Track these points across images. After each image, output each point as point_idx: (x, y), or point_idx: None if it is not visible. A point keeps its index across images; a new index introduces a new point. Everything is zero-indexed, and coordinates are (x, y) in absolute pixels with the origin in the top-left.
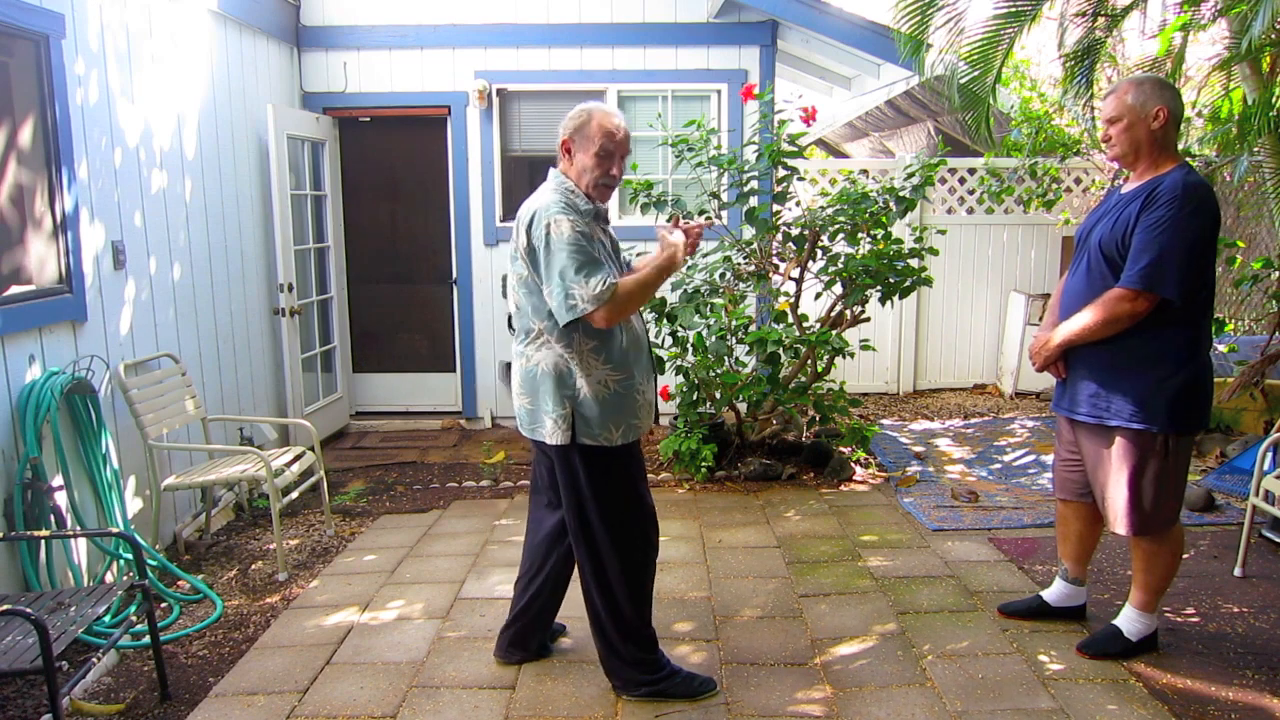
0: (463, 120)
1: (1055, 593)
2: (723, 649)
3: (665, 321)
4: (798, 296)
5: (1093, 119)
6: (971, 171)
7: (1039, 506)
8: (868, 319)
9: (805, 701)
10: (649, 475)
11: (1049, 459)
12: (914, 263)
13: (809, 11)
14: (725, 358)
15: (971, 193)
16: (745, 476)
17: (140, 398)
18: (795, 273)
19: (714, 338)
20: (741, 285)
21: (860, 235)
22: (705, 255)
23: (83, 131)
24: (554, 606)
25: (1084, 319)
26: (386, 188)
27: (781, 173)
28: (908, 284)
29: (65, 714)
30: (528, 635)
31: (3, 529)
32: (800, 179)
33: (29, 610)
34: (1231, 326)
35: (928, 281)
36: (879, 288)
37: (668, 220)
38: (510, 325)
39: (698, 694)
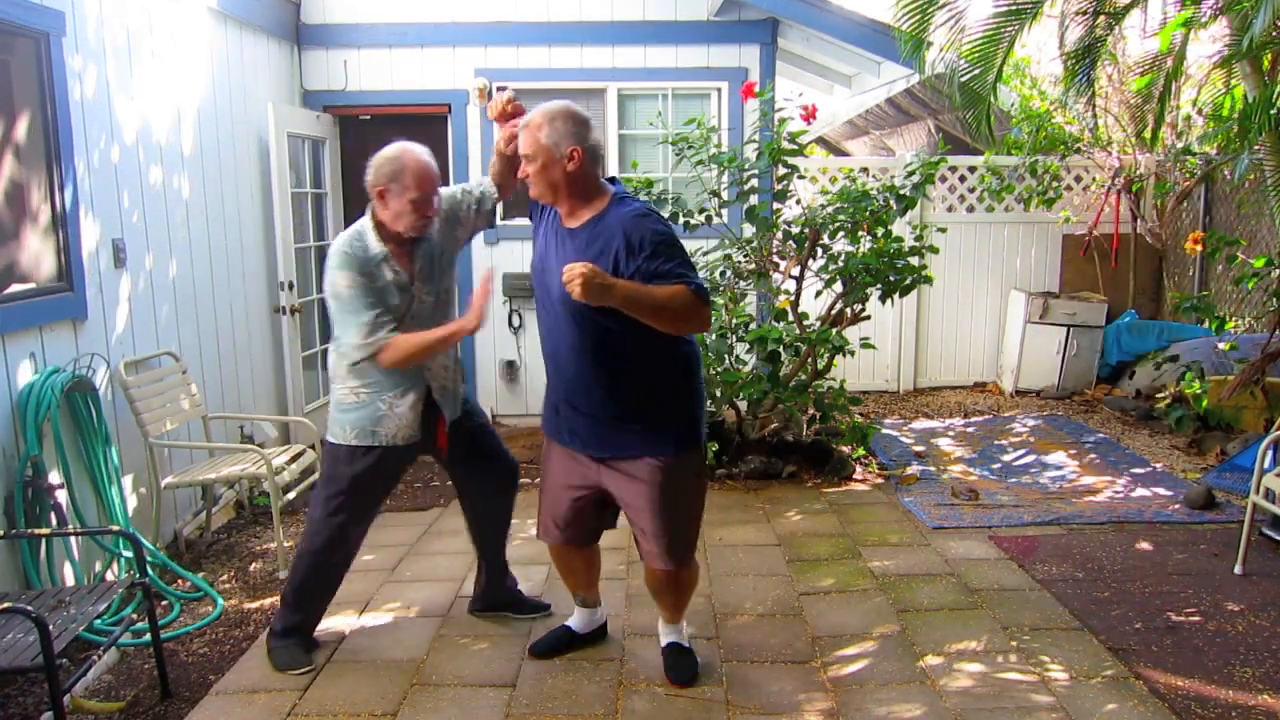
0: (463, 118)
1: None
2: (723, 647)
3: None
4: (798, 295)
5: (1094, 117)
6: (972, 170)
7: (1039, 505)
8: (868, 317)
9: (805, 700)
10: None
11: (1050, 458)
12: (914, 261)
13: (809, 9)
14: (725, 356)
15: (972, 191)
16: (745, 475)
17: (140, 396)
18: (795, 271)
19: (714, 336)
20: (742, 283)
21: (860, 233)
22: (705, 254)
23: (83, 129)
24: (487, 554)
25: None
26: None
27: (782, 171)
28: (908, 282)
29: (66, 712)
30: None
31: (3, 527)
32: (800, 177)
33: (30, 608)
34: (1232, 324)
35: (928, 280)
36: (879, 286)
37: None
38: (510, 324)
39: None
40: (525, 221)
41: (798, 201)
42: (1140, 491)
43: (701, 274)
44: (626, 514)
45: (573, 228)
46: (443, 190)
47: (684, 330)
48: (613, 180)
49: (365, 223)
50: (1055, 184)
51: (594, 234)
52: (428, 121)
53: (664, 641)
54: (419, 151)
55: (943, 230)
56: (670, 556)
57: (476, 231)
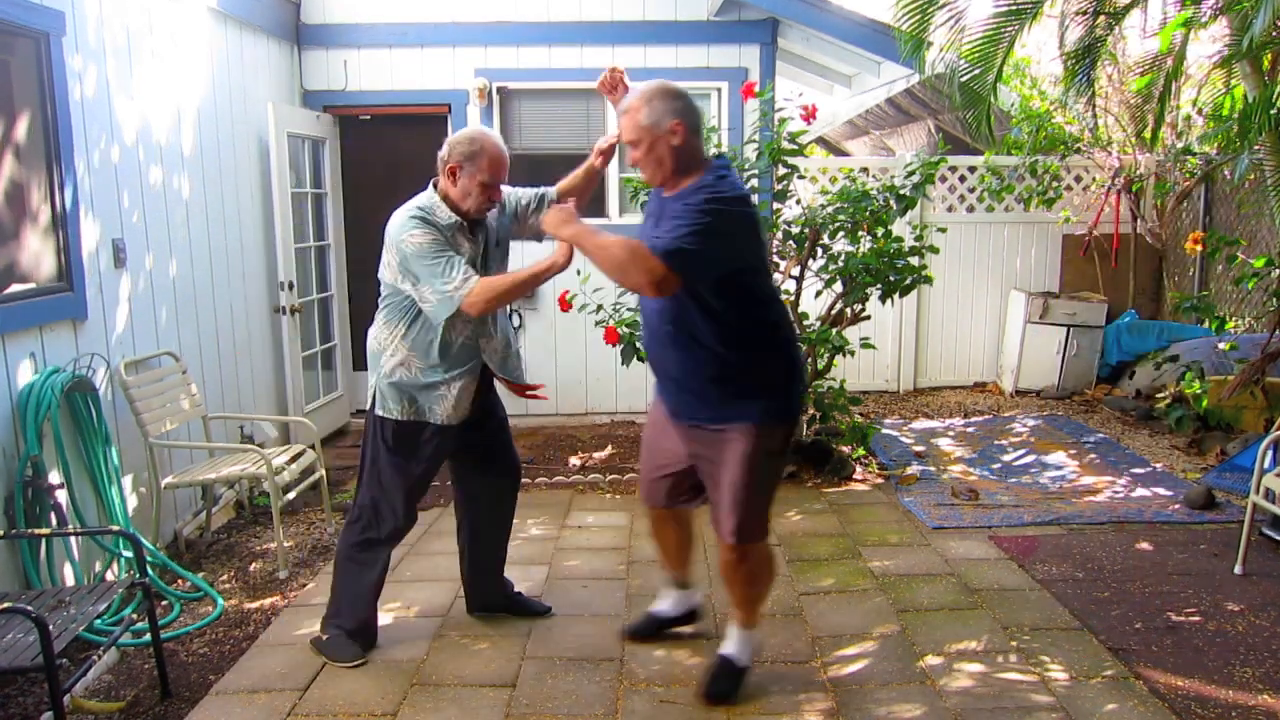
0: (463, 118)
1: None
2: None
3: None
4: (798, 294)
5: (1094, 117)
6: (972, 169)
7: (1039, 505)
8: (868, 317)
9: (805, 700)
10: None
11: (1050, 458)
12: (914, 261)
13: (809, 9)
14: None
15: (972, 191)
16: None
17: (140, 395)
18: (795, 271)
19: None
20: None
21: (860, 233)
22: None
23: (83, 129)
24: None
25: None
26: (387, 186)
27: (782, 171)
28: (908, 282)
29: (66, 712)
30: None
31: (3, 527)
32: (800, 177)
33: (30, 608)
34: (1232, 324)
35: (928, 280)
36: (879, 286)
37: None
38: (510, 324)
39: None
40: None
41: (798, 201)
42: (1140, 491)
43: None
44: (705, 484)
45: (667, 196)
46: (505, 188)
47: (622, 281)
48: (720, 157)
49: (431, 196)
50: (1055, 184)
51: (674, 205)
52: (428, 121)
53: (720, 649)
54: (497, 139)
55: (943, 230)
56: (735, 528)
57: (530, 236)
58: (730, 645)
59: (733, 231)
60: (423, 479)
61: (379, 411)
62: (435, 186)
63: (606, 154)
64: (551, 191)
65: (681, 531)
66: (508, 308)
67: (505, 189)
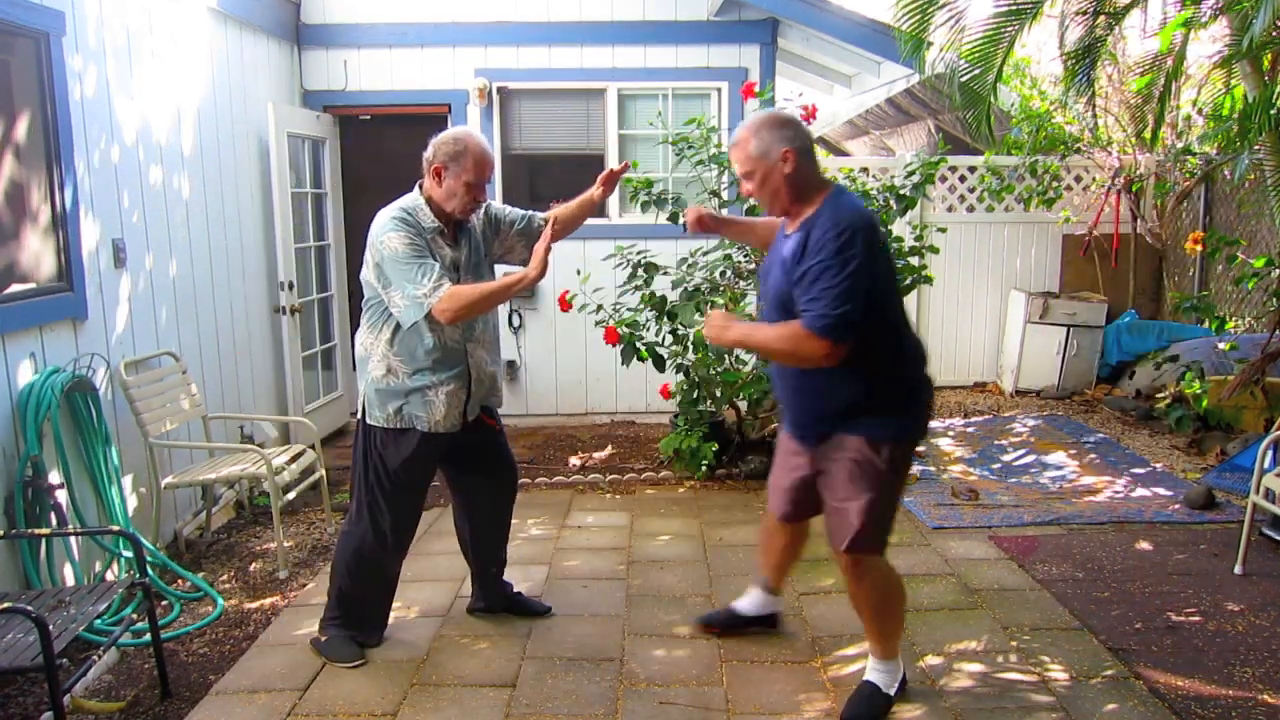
0: (463, 118)
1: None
2: (723, 647)
3: (665, 319)
4: None
5: (1094, 117)
6: (972, 169)
7: (1039, 505)
8: None
9: (805, 700)
10: (649, 473)
11: (1050, 458)
12: (914, 261)
13: (809, 9)
14: (725, 355)
15: (972, 191)
16: (746, 474)
17: (140, 395)
18: None
19: None
20: (742, 283)
21: None
22: (706, 254)
23: (83, 129)
24: (484, 557)
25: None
26: (387, 186)
27: None
28: (908, 282)
29: (66, 712)
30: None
31: (3, 527)
32: None
33: (30, 608)
34: (1232, 324)
35: (928, 280)
36: None
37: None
38: (510, 324)
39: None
40: None
41: None
42: (1140, 491)
43: (701, 274)
44: (823, 496)
45: (788, 232)
46: (493, 203)
47: (797, 364)
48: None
49: (416, 198)
50: (1055, 184)
51: (796, 240)
52: (428, 121)
53: (866, 675)
54: (481, 139)
55: (943, 230)
56: (845, 539)
57: (509, 254)
58: (871, 671)
59: (870, 257)
60: (416, 486)
61: (367, 419)
62: (420, 189)
63: (608, 184)
64: (539, 216)
65: (790, 544)
66: (508, 308)
67: (495, 205)
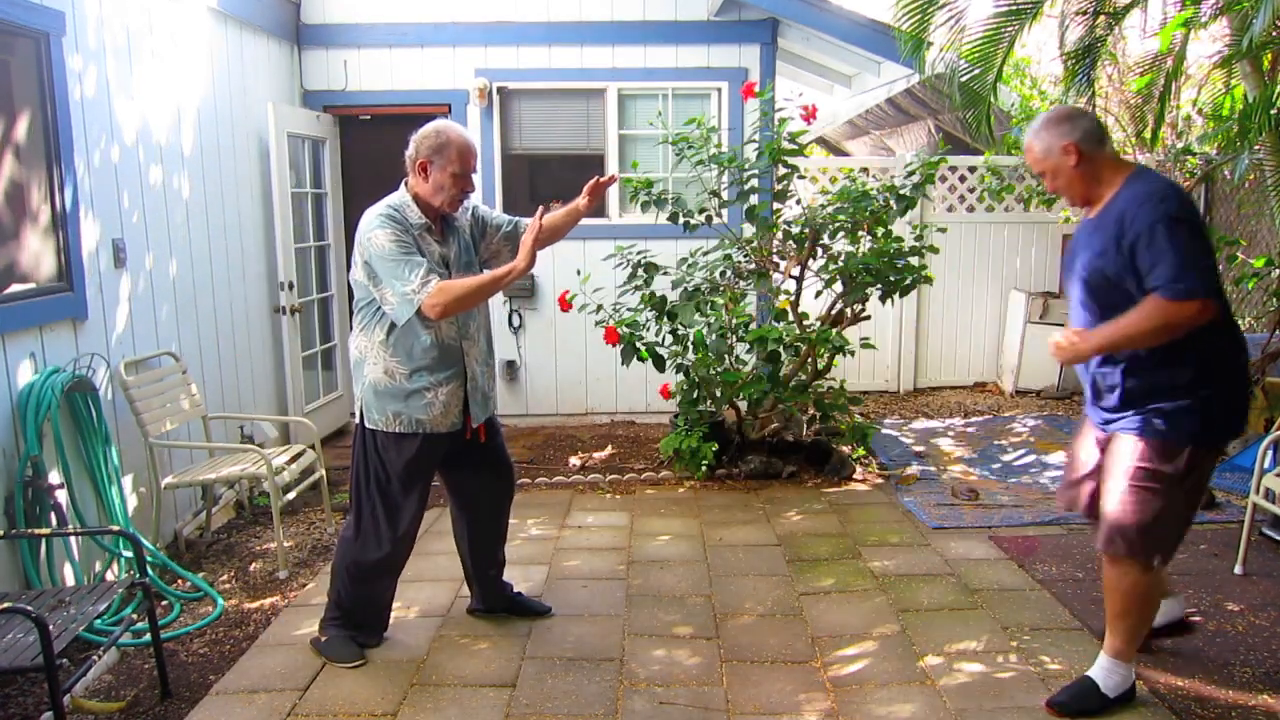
0: (463, 118)
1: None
2: (723, 647)
3: (665, 319)
4: (798, 294)
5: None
6: (972, 169)
7: (1039, 505)
8: (868, 317)
9: (805, 700)
10: (649, 473)
11: (1050, 458)
12: (914, 261)
13: (809, 9)
14: (725, 356)
15: (972, 191)
16: (746, 475)
17: (140, 395)
18: (796, 271)
19: (714, 336)
20: (742, 283)
21: (861, 233)
22: (706, 254)
23: (83, 129)
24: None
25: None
26: (387, 186)
27: (782, 171)
28: (908, 282)
29: (66, 712)
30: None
31: (3, 527)
32: (800, 177)
33: (30, 608)
34: None
35: (928, 279)
36: (879, 286)
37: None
38: (510, 324)
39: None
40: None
41: (798, 201)
42: None
43: (701, 274)
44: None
45: (1092, 217)
46: (479, 205)
47: (1168, 339)
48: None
49: (402, 196)
50: None
51: (1102, 221)
52: (428, 121)
53: (1091, 670)
54: (462, 130)
55: (943, 230)
56: (1109, 539)
57: (496, 260)
58: (1097, 669)
59: (1194, 216)
60: (418, 488)
61: (366, 423)
62: (406, 186)
63: (594, 194)
64: (524, 222)
65: None
66: (508, 308)
67: (482, 208)
